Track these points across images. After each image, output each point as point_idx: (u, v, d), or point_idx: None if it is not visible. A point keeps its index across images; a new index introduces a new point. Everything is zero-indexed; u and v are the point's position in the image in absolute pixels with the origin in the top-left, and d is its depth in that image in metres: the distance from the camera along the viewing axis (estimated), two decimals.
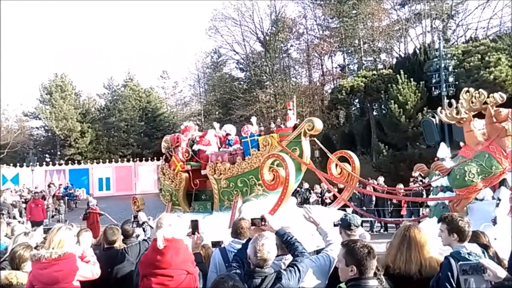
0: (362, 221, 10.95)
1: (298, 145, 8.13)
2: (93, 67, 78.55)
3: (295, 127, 8.47)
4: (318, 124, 8.03)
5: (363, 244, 2.95)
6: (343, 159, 9.44)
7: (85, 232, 5.21)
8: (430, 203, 9.04)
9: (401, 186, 13.85)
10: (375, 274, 2.95)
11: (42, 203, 16.68)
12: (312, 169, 8.82)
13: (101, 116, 46.08)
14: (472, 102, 7.88)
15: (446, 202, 8.17)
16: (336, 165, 9.39)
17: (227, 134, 9.58)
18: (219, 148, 9.82)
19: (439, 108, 9.02)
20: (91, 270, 3.83)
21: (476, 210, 7.74)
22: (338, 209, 9.54)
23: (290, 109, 8.92)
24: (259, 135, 8.85)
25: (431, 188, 9.05)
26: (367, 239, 8.31)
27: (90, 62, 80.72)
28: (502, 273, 2.68)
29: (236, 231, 4.15)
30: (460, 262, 2.89)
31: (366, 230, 9.26)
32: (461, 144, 8.82)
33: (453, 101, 8.32)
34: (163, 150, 10.24)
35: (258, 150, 8.39)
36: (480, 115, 8.16)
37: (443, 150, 8.95)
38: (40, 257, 3.36)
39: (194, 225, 3.86)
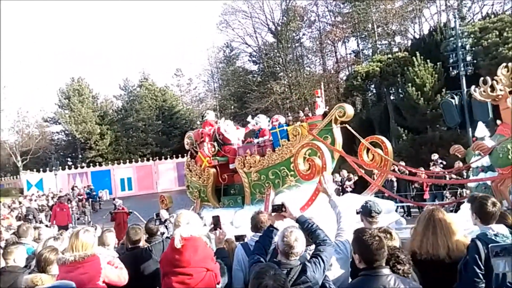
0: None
1: (329, 133, 7.97)
2: (109, 69, 79.50)
3: (324, 114, 8.29)
4: (350, 110, 7.86)
5: (371, 234, 2.90)
6: (374, 144, 9.18)
7: (108, 233, 5.29)
8: (470, 184, 8.81)
9: (422, 169, 13.56)
10: (388, 265, 2.90)
11: (67, 207, 16.95)
12: (346, 157, 8.61)
13: (119, 117, 46.63)
14: None
15: (488, 182, 7.97)
16: (368, 150, 9.15)
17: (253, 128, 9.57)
18: (243, 141, 9.74)
19: (473, 86, 8.69)
20: (118, 274, 3.87)
21: None
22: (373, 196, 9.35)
23: (318, 97, 8.72)
24: (288, 125, 8.74)
25: (471, 169, 8.80)
26: (403, 224, 8.22)
27: (105, 64, 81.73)
28: None
29: (256, 225, 4.13)
30: (491, 245, 2.82)
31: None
32: (498, 122, 8.53)
33: (488, 78, 8.06)
34: (187, 147, 10.20)
35: (288, 140, 8.23)
36: None
37: (481, 129, 8.67)
38: (65, 261, 3.41)
39: (216, 221, 3.86)
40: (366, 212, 4.29)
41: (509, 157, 7.16)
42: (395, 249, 3.14)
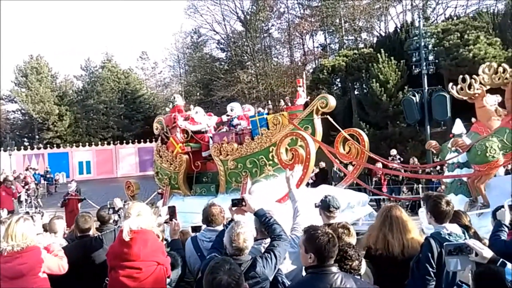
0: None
1: (310, 123, 7.84)
2: (69, 48, 76.61)
3: (306, 104, 8.17)
4: (332, 101, 7.73)
5: (324, 232, 2.87)
6: (351, 136, 9.16)
7: (56, 220, 5.07)
8: (446, 180, 8.99)
9: (379, 165, 13.77)
10: (336, 261, 2.90)
11: (10, 191, 15.61)
12: (326, 149, 8.55)
13: (79, 98, 45.02)
14: (495, 77, 7.82)
15: (464, 178, 8.16)
16: (344, 143, 9.16)
17: (228, 115, 9.25)
18: (215, 129, 9.51)
19: (450, 84, 8.85)
20: (58, 264, 3.69)
21: (493, 186, 7.74)
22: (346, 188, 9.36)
23: (300, 86, 8.59)
24: (267, 113, 8.56)
25: (446, 165, 8.97)
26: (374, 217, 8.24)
27: (66, 43, 78.64)
28: (488, 253, 2.64)
29: (207, 218, 4.04)
30: (446, 243, 2.85)
31: None
32: (473, 120, 8.76)
33: (467, 76, 8.23)
34: (156, 132, 9.82)
35: (268, 129, 8.07)
36: (491, 91, 8.15)
37: (459, 126, 8.84)
38: (1, 251, 3.22)
39: (172, 211, 3.81)
40: (325, 207, 4.27)
41: (487, 154, 7.36)
42: (344, 245, 3.12)
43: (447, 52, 23.55)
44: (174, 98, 9.92)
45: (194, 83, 44.25)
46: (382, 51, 24.86)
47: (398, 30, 29.35)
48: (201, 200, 7.16)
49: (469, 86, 8.04)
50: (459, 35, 24.04)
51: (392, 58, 24.44)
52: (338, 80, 31.24)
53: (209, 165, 8.96)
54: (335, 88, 33.68)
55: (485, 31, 24.21)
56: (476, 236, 3.86)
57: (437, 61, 22.68)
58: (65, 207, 14.01)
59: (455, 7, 35.95)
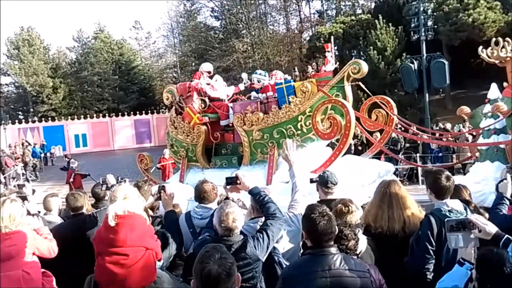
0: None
1: (341, 91, 7.33)
2: (61, 18, 74.96)
3: (335, 71, 7.76)
4: (365, 67, 7.18)
5: (321, 212, 2.78)
6: (377, 105, 8.89)
7: (51, 198, 4.96)
8: (481, 147, 8.77)
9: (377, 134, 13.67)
10: (335, 241, 2.83)
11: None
12: (357, 115, 8.04)
13: (72, 70, 44.43)
14: None
15: (502, 146, 8.02)
16: (369, 110, 8.88)
17: (252, 85, 8.72)
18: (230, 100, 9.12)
19: (480, 47, 8.54)
20: (48, 246, 3.61)
21: None
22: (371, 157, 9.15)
23: (328, 51, 8.15)
24: (294, 80, 8.16)
25: (481, 132, 8.76)
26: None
27: (57, 13, 76.96)
28: (492, 229, 2.54)
29: (200, 196, 3.95)
30: (447, 219, 2.74)
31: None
32: (505, 84, 8.49)
33: (499, 39, 7.96)
34: (166, 102, 9.37)
35: (296, 97, 7.54)
36: None
37: (494, 91, 8.55)
38: None
39: (160, 189, 3.80)
40: (323, 182, 4.19)
41: None
42: (340, 224, 3.04)
43: (446, 17, 23.13)
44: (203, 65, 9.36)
45: (189, 53, 43.57)
46: (380, 17, 24.38)
47: None
48: (223, 173, 6.75)
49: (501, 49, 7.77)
50: None
51: (390, 24, 24.00)
52: (335, 48, 30.77)
53: (227, 136, 8.55)
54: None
55: None
56: (477, 211, 3.77)
57: (435, 26, 22.27)
58: (73, 183, 14.14)
59: None
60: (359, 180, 6.72)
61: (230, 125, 8.45)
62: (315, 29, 35.27)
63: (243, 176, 3.65)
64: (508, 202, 3.84)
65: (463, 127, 16.66)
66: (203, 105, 8.47)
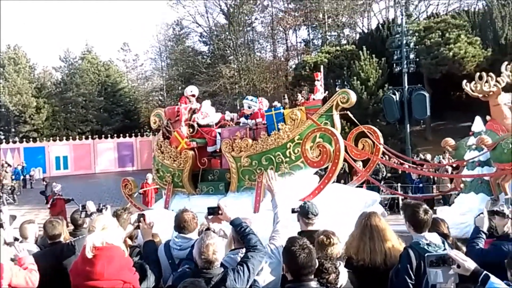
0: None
1: (329, 119, 7.39)
2: (48, 38, 74.90)
3: (324, 99, 7.78)
4: (353, 97, 7.30)
5: (301, 245, 2.80)
6: (363, 134, 8.96)
7: (27, 225, 4.84)
8: (466, 178, 8.85)
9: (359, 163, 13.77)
10: (315, 275, 2.83)
11: None
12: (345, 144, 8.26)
13: (57, 90, 44.08)
14: None
15: (486, 177, 8.12)
16: (356, 139, 8.94)
17: (244, 111, 8.65)
18: (216, 125, 9.01)
19: (464, 81, 8.72)
20: (26, 277, 3.49)
21: None
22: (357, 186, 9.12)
23: (318, 80, 8.21)
24: (284, 108, 8.15)
25: (465, 163, 8.87)
26: (386, 216, 8.10)
27: (45, 33, 76.86)
28: (471, 265, 2.58)
29: (179, 225, 3.90)
30: (427, 254, 2.78)
31: None
32: (487, 118, 8.68)
33: (483, 73, 8.17)
34: (154, 126, 9.27)
35: (285, 124, 7.54)
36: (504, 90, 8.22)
37: (478, 124, 8.75)
38: None
39: (140, 218, 3.75)
40: (303, 213, 4.20)
41: None
42: (321, 257, 3.05)
43: (428, 50, 23.80)
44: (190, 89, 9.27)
45: (176, 77, 43.74)
46: (364, 48, 24.97)
47: (380, 27, 29.53)
48: (209, 199, 6.71)
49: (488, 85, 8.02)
50: (440, 33, 24.33)
51: (373, 55, 24.57)
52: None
53: (214, 162, 8.44)
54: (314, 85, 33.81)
55: (465, 30, 24.52)
56: (455, 245, 3.83)
57: (417, 59, 22.88)
58: (52, 208, 13.64)
59: (437, 5, 36.35)
60: (346, 208, 6.75)
61: (217, 150, 8.39)
62: (301, 58, 35.87)
63: (225, 206, 3.64)
64: (484, 236, 3.90)
65: (443, 158, 16.95)
66: (191, 130, 8.44)
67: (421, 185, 15.36)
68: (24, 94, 39.34)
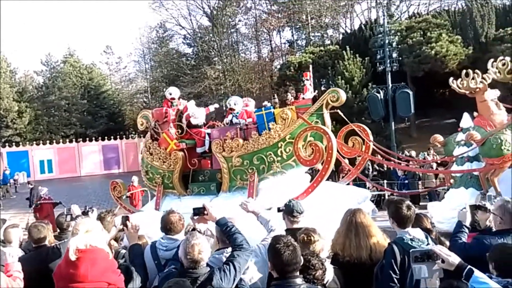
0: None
1: (320, 118, 7.43)
2: (29, 42, 73.83)
3: (314, 99, 7.87)
4: (343, 95, 7.36)
5: (286, 243, 2.82)
6: (353, 132, 9.00)
7: (11, 229, 4.76)
8: (456, 174, 8.93)
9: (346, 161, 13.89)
10: (300, 271, 2.86)
11: None
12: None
13: (39, 94, 43.48)
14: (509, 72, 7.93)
15: (475, 172, 8.22)
16: (346, 137, 8.99)
17: (231, 109, 8.48)
18: (205, 124, 8.95)
19: (451, 78, 8.82)
20: (8, 284, 3.43)
21: (503, 180, 7.77)
22: (348, 184, 9.18)
23: (307, 80, 8.23)
24: (274, 107, 8.14)
25: (454, 159, 8.96)
26: (377, 213, 8.15)
27: (26, 37, 75.74)
28: (456, 260, 2.61)
29: (166, 227, 3.90)
30: (412, 250, 2.81)
31: None
32: (475, 114, 8.79)
33: (469, 71, 8.28)
34: (141, 127, 9.16)
35: (276, 124, 7.58)
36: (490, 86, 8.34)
37: (467, 120, 8.83)
38: None
39: (125, 221, 3.73)
40: (289, 211, 4.22)
41: (502, 148, 7.41)
42: (308, 254, 3.08)
43: (410, 49, 24.11)
44: (170, 91, 9.16)
45: (160, 79, 43.54)
46: (348, 48, 25.19)
47: (363, 27, 29.81)
48: (201, 200, 6.57)
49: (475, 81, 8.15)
50: (422, 33, 24.68)
51: (357, 55, 24.81)
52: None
53: (204, 163, 8.44)
54: (302, 84, 33.92)
55: (446, 29, 24.91)
56: (438, 240, 3.88)
57: (400, 58, 23.15)
58: (38, 212, 13.32)
59: (418, 5, 36.86)
60: (338, 206, 6.79)
61: (207, 151, 8.39)
62: (285, 58, 36.02)
63: (211, 206, 3.64)
64: (467, 230, 3.97)
65: (428, 155, 17.17)
66: (179, 131, 8.39)
67: (406, 181, 15.53)
68: (5, 98, 38.65)
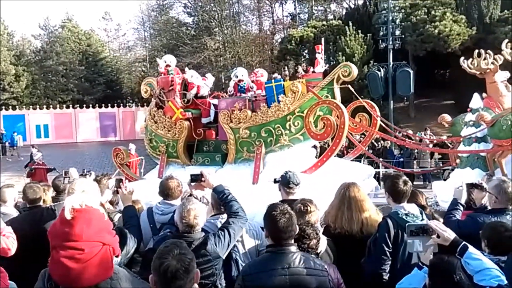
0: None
1: (330, 92, 7.28)
2: (27, 5, 72.37)
3: (325, 72, 7.67)
4: (355, 70, 7.18)
5: (282, 210, 2.82)
6: (363, 108, 8.95)
7: (6, 189, 4.77)
8: (462, 154, 8.95)
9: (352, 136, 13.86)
10: (295, 240, 2.88)
11: None
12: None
13: (37, 58, 42.97)
14: None
15: (482, 153, 8.20)
16: (353, 114, 8.95)
17: (239, 80, 8.24)
18: (210, 94, 8.85)
19: (462, 58, 8.74)
20: (2, 241, 3.43)
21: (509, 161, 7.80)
22: (352, 160, 9.13)
23: (318, 53, 8.08)
24: (284, 79, 8.02)
25: (462, 139, 8.96)
26: (380, 190, 8.18)
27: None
28: (451, 235, 2.63)
29: (164, 192, 3.92)
30: (408, 224, 2.83)
31: None
32: (484, 95, 8.75)
33: (481, 51, 8.19)
34: (145, 95, 9.04)
35: (285, 96, 7.39)
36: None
37: (477, 100, 8.78)
38: None
39: (118, 183, 3.73)
40: (285, 183, 4.23)
41: (511, 129, 7.39)
42: (303, 224, 3.11)
43: (413, 27, 23.82)
44: (166, 59, 9.01)
45: (159, 48, 42.99)
46: (350, 24, 24.85)
47: (367, 3, 29.36)
48: (207, 170, 6.73)
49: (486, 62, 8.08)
50: (426, 10, 24.31)
51: (359, 31, 24.51)
52: (306, 51, 31.13)
53: (209, 133, 8.26)
54: (303, 59, 33.66)
55: (451, 8, 24.55)
56: (432, 216, 3.91)
57: (403, 36, 22.89)
58: (32, 177, 13.31)
59: None
60: (343, 181, 6.85)
61: (212, 121, 8.27)
62: (287, 32, 35.55)
63: (208, 174, 3.64)
64: (462, 208, 4.00)
65: (424, 135, 17.20)
66: (185, 100, 8.32)
67: (401, 159, 15.61)
68: (2, 61, 38.17)
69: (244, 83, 8.15)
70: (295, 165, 6.47)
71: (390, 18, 21.98)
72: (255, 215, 4.15)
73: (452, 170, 9.84)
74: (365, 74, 22.41)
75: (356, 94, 8.45)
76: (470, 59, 8.37)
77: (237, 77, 8.25)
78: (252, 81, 8.21)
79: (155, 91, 8.55)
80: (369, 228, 3.62)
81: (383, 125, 9.16)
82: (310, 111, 6.91)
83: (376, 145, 16.99)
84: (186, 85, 8.45)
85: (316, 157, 8.25)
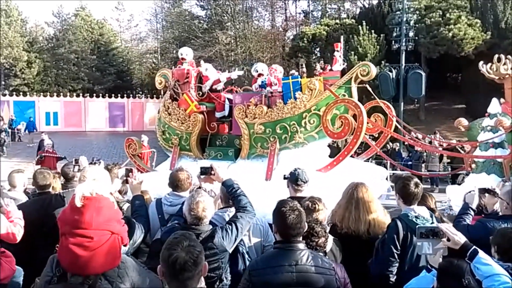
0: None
1: (347, 91, 7.20)
2: None
3: (343, 71, 7.62)
4: (374, 70, 7.15)
5: (292, 207, 2.80)
6: (375, 109, 8.89)
7: (16, 174, 4.80)
8: (478, 159, 8.88)
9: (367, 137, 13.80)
10: (303, 237, 2.86)
11: None
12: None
13: (49, 46, 43.21)
14: None
15: (498, 159, 8.16)
16: (368, 114, 8.92)
17: (259, 75, 8.23)
18: (223, 89, 8.84)
19: (481, 62, 8.63)
20: (7, 227, 3.44)
21: None
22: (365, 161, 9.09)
23: (337, 51, 8.03)
24: (301, 76, 7.97)
25: (478, 144, 8.89)
26: (392, 191, 8.12)
27: None
28: (461, 239, 2.60)
29: (173, 183, 3.91)
30: (418, 226, 2.80)
31: None
32: (502, 100, 8.67)
33: (502, 56, 8.10)
34: (159, 86, 9.03)
35: (302, 93, 7.32)
36: None
37: (495, 106, 8.70)
38: None
39: (128, 173, 3.74)
40: (293, 180, 4.21)
41: None
42: (311, 221, 3.09)
43: (427, 29, 23.61)
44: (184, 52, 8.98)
45: (171, 40, 43.06)
46: (364, 23, 24.68)
47: (382, 3, 29.14)
48: (217, 164, 6.72)
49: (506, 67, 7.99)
50: (441, 13, 24.08)
51: (372, 31, 24.33)
52: (318, 49, 30.99)
53: (222, 127, 8.22)
54: (314, 57, 33.49)
55: (466, 11, 24.29)
56: (441, 220, 3.87)
57: (416, 38, 22.70)
58: (40, 164, 13.30)
59: None
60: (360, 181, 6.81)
61: (226, 116, 8.22)
62: (299, 29, 35.42)
63: (218, 167, 3.64)
64: (472, 213, 3.96)
65: (434, 138, 17.08)
66: (200, 93, 8.30)
67: (410, 162, 15.52)
68: (15, 47, 38.49)
69: (265, 78, 8.11)
70: (309, 163, 6.43)
71: (404, 19, 21.79)
72: (267, 211, 4.14)
73: (467, 174, 9.76)
74: (377, 75, 22.25)
75: (373, 94, 8.34)
76: (489, 64, 8.26)
77: (257, 71, 8.21)
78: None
79: (170, 83, 8.52)
80: (376, 229, 3.60)
81: (399, 126, 9.03)
82: (328, 109, 6.84)
83: (385, 147, 16.91)
84: (201, 78, 8.43)
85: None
